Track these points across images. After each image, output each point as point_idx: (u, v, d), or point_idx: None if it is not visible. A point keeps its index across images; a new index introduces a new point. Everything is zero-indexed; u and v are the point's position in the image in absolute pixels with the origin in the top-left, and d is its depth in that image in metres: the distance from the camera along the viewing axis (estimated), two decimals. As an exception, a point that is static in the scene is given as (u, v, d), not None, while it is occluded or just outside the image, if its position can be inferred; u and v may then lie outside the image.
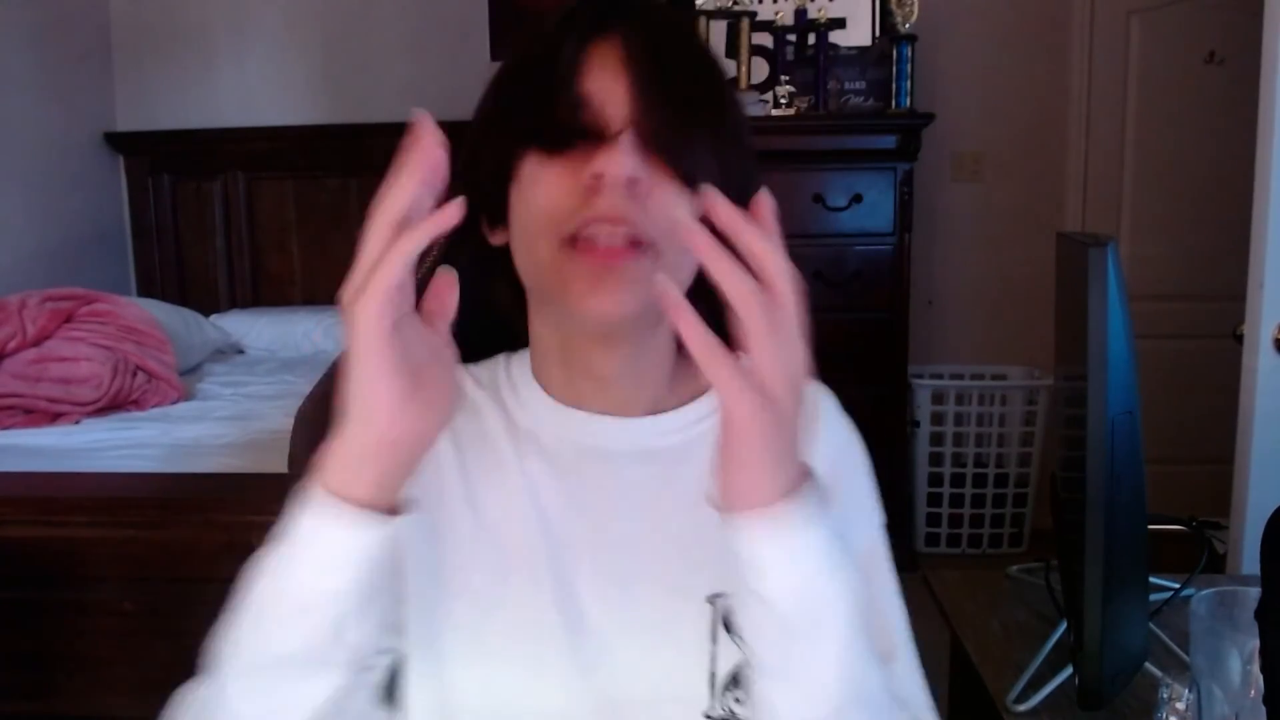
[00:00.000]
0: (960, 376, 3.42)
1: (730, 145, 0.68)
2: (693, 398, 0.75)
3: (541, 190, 0.65)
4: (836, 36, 3.13)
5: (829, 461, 0.69)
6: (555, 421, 0.73)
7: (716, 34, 3.13)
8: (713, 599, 0.69)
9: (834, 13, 3.12)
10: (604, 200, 0.62)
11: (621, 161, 0.61)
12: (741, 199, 0.53)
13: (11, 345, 2.41)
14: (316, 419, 0.82)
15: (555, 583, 0.70)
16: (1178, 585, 1.23)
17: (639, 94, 0.64)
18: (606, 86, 0.64)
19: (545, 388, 0.74)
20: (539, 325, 0.74)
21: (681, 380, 0.75)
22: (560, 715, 0.69)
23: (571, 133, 0.64)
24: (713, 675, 0.69)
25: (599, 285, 0.63)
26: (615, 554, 0.71)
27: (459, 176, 0.55)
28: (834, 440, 0.77)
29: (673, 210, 0.62)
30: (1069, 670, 1.08)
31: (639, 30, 0.66)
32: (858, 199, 3.06)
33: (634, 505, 0.72)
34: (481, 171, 0.69)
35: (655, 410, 0.74)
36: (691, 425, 0.74)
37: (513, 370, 0.77)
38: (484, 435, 0.74)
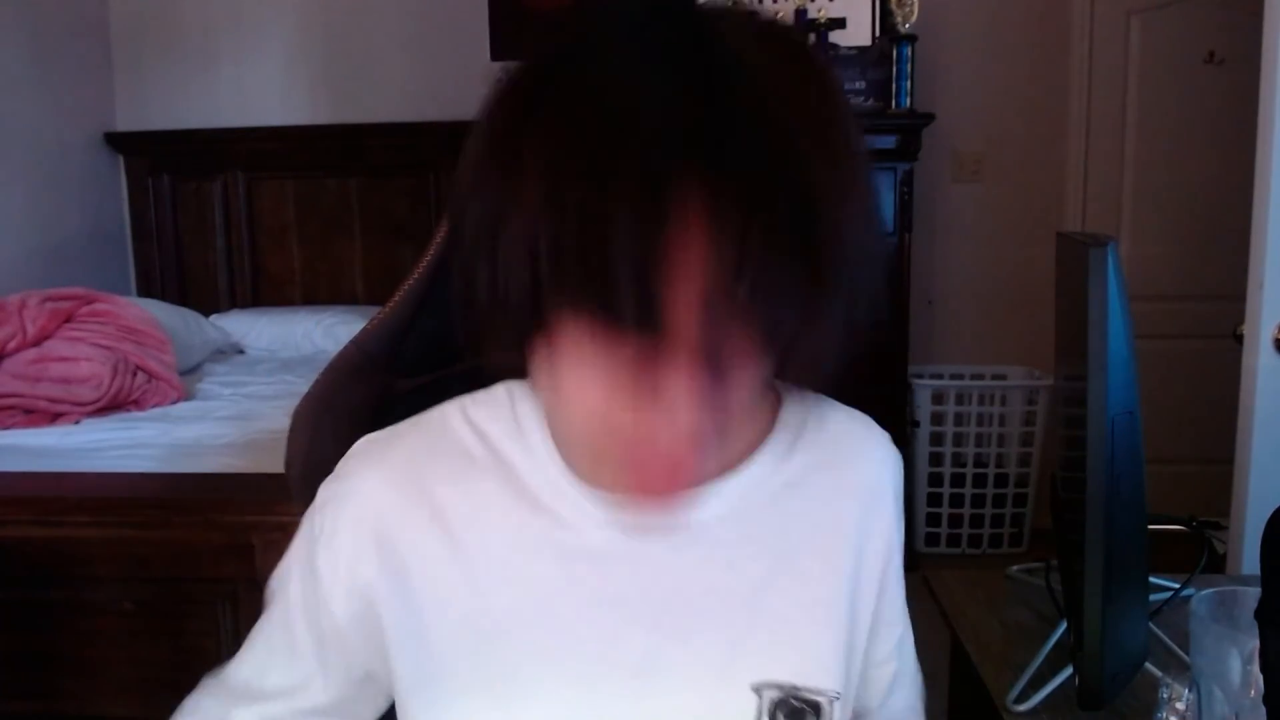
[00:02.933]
0: (960, 376, 3.41)
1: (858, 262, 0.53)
2: (740, 457, 0.66)
3: (587, 377, 0.53)
4: (836, 36, 3.13)
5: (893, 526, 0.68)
6: (576, 495, 0.64)
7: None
8: (759, 689, 0.64)
9: (834, 13, 3.12)
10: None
11: (682, 443, 0.52)
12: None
13: (11, 345, 2.41)
14: (312, 419, 0.82)
15: (581, 683, 0.64)
16: (1178, 585, 1.23)
17: (724, 274, 0.48)
18: (679, 267, 0.48)
19: (565, 456, 0.64)
20: (563, 406, 0.58)
21: (732, 435, 0.63)
22: None
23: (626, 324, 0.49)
24: None
25: (658, 481, 0.55)
26: (651, 644, 0.64)
27: (458, 209, 0.50)
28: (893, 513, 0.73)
29: (750, 386, 0.53)
30: (1069, 670, 1.08)
31: (734, 174, 0.47)
32: (858, 199, 3.05)
33: (669, 589, 0.65)
34: (498, 285, 0.52)
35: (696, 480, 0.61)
36: (738, 496, 0.66)
37: (523, 422, 0.65)
38: (484, 511, 0.64)
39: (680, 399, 0.51)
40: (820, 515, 0.68)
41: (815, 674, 0.66)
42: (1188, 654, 0.95)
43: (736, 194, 0.47)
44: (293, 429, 0.84)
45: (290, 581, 0.68)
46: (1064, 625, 1.17)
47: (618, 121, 0.47)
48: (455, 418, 0.67)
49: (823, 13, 3.10)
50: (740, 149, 0.47)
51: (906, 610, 0.76)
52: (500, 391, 0.67)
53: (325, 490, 0.67)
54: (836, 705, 0.65)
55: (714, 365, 0.50)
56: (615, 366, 0.51)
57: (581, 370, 0.52)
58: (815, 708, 0.64)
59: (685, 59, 0.49)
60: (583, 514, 0.64)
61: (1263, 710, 0.80)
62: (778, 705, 0.63)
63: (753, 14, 0.54)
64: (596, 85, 0.49)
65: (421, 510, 0.64)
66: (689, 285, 0.48)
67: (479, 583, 0.64)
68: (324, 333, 3.24)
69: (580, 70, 0.50)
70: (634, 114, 0.47)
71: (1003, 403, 3.33)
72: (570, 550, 0.64)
